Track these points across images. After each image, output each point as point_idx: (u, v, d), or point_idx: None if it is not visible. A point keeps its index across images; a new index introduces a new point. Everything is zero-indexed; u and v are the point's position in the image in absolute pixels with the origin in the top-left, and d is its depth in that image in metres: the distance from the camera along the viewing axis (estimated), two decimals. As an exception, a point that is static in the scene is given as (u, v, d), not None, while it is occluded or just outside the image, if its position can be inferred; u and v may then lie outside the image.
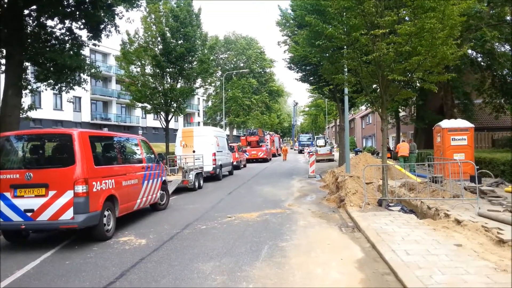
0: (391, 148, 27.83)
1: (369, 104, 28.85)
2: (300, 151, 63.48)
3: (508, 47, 23.82)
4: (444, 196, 11.03)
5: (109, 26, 16.30)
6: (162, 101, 29.43)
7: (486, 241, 7.16)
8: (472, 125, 15.28)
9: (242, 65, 63.33)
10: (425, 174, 16.19)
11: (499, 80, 24.53)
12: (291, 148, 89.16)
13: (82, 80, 16.88)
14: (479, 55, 23.80)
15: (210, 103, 67.96)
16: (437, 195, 11.26)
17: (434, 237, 7.55)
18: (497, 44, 23.32)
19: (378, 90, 11.89)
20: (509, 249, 6.63)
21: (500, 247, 6.79)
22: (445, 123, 15.70)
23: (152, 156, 12.19)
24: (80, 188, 8.14)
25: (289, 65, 25.57)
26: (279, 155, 54.47)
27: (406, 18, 10.64)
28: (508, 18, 20.35)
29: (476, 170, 10.73)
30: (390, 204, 10.84)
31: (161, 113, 30.06)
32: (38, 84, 16.64)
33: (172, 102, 29.93)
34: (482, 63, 24.73)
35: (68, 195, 8.10)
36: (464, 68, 24.07)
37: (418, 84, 18.59)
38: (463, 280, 5.41)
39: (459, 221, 8.38)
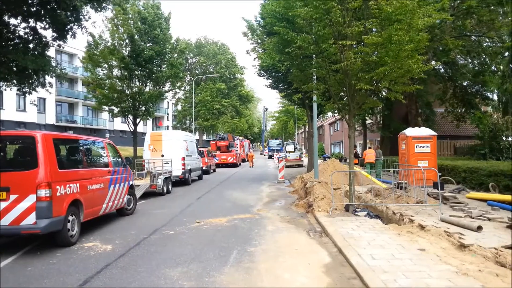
0: (358, 155, 28.34)
1: (337, 112, 29.39)
2: (270, 157, 63.73)
3: (469, 59, 24.83)
4: (408, 202, 11.32)
5: (75, 27, 15.93)
6: (130, 104, 28.99)
7: (448, 245, 7.40)
8: (435, 133, 15.78)
9: (212, 70, 63.19)
10: (391, 180, 16.58)
11: (460, 90, 25.49)
12: (261, 154, 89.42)
13: (47, 82, 16.40)
14: (442, 65, 24.68)
15: (179, 107, 67.35)
16: (401, 201, 11.54)
17: (398, 242, 7.74)
18: (459, 56, 24.26)
19: (346, 98, 12.11)
20: (469, 254, 6.88)
21: (461, 252, 7.03)
22: (410, 131, 16.15)
23: (119, 160, 11.99)
24: (43, 192, 7.90)
25: (258, 72, 25.68)
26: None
27: (374, 29, 10.92)
28: (468, 33, 21.22)
29: (439, 177, 11.08)
30: (357, 210, 11.03)
31: (129, 116, 29.59)
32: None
33: (141, 106, 29.53)
34: (445, 74, 25.64)
35: (30, 199, 7.85)
36: (428, 78, 24.92)
37: (384, 93, 19.11)
38: (426, 284, 5.57)
39: (423, 226, 8.62)
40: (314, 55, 12.00)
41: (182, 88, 55.69)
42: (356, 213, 10.83)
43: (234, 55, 65.49)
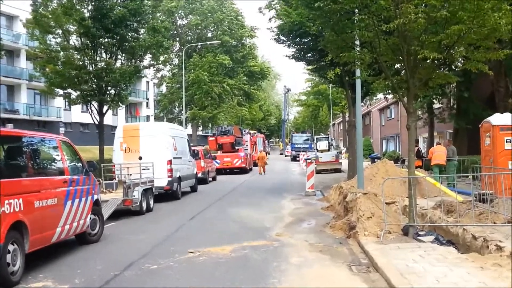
0: (422, 154, 28.11)
1: (390, 92, 29.07)
2: (294, 158, 63.66)
3: None
4: (495, 222, 11.19)
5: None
6: (94, 86, 29.15)
7: (553, 284, 7.30)
8: (534, 122, 15.57)
9: (210, 35, 63.33)
10: (469, 191, 16.40)
11: None
12: (281, 153, 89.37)
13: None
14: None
15: (164, 89, 67.66)
16: (486, 220, 11.41)
17: (481, 279, 7.66)
18: None
19: (403, 72, 12.00)
20: None
21: None
22: (497, 119, 15.95)
23: (79, 164, 12.06)
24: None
25: (276, 36, 25.56)
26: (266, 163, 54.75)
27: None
28: None
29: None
30: (420, 233, 10.94)
31: (93, 103, 29.77)
32: None
33: (109, 88, 29.67)
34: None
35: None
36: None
37: (460, 64, 18.89)
38: None
39: (516, 256, 8.52)
40: (356, 10, 11.90)
41: (168, 63, 56.05)
42: (419, 237, 10.75)
43: (240, 12, 65.37)
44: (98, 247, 12.06)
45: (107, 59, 29.41)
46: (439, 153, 22.13)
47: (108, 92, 29.66)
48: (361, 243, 10.88)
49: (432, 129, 37.60)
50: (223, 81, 59.61)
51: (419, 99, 33.67)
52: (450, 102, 34.55)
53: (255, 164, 45.31)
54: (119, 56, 30.52)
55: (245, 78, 65.06)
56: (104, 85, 29.11)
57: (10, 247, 8.76)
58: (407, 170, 13.03)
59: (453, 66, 22.24)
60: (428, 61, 11.19)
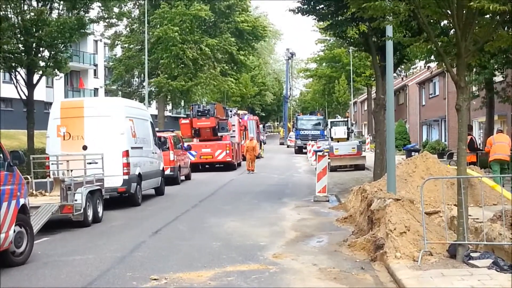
0: (478, 145, 28.16)
1: (434, 59, 29.12)
2: (299, 149, 63.73)
3: None
4: None
5: None
6: (21, 45, 28.98)
7: None
8: None
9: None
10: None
11: None
12: (282, 144, 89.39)
13: None
14: None
15: (119, 52, 67.23)
16: None
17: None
18: None
19: (452, 32, 11.98)
20: None
21: None
22: None
23: (0, 156, 11.98)
24: None
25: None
26: (257, 156, 54.64)
27: None
28: None
29: None
30: (473, 255, 10.93)
31: (18, 69, 29.62)
32: None
33: (41, 48, 29.49)
34: None
35: None
36: None
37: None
38: None
39: None
40: None
41: (125, 15, 55.42)
42: (472, 261, 10.74)
43: None
44: (24, 272, 11.96)
45: (39, 7, 29.22)
46: (501, 145, 22.11)
47: (40, 54, 29.48)
48: (391, 269, 10.85)
49: (492, 112, 37.58)
50: (200, 41, 59.16)
51: (474, 70, 33.71)
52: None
53: (245, 158, 45.21)
54: (55, 4, 30.31)
55: (231, 37, 64.54)
56: (34, 43, 28.96)
57: None
58: (455, 167, 13.02)
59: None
60: (487, 16, 11.16)
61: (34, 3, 29.62)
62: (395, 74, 26.98)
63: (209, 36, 61.28)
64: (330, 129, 46.66)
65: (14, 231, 12.27)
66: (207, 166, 43.44)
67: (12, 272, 11.97)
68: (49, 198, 17.16)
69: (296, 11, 25.83)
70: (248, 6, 72.17)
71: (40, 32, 28.41)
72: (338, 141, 42.83)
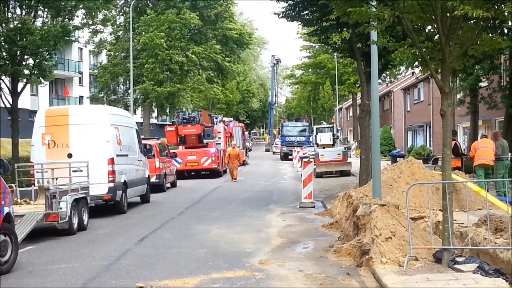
0: (462, 151, 28.24)
1: (418, 64, 29.13)
2: (285, 156, 63.76)
3: None
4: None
5: None
6: (5, 53, 28.88)
7: None
8: None
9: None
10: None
11: None
12: (267, 150, 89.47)
13: None
14: None
15: (104, 59, 67.10)
16: (548, 242, 11.49)
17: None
18: None
19: (437, 37, 12.02)
20: None
21: None
22: None
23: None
24: None
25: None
26: (243, 163, 54.52)
27: None
28: None
29: None
30: (458, 259, 10.96)
31: (3, 78, 29.51)
32: None
33: (26, 56, 29.40)
34: None
35: None
36: None
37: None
38: None
39: None
40: None
41: (110, 22, 55.27)
42: (457, 265, 10.77)
43: None
44: (9, 281, 11.89)
45: (24, 16, 29.14)
46: (485, 150, 22.17)
47: (24, 62, 29.38)
48: (377, 274, 10.87)
49: (476, 117, 37.70)
50: (187, 48, 59.12)
51: (459, 76, 33.83)
52: (501, 79, 34.53)
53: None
54: (40, 12, 30.23)
55: (217, 45, 64.45)
56: (18, 52, 28.83)
57: None
58: (440, 172, 13.06)
59: (505, 29, 22.38)
60: (470, 21, 11.20)
61: (18, 11, 29.49)
62: (380, 80, 27.08)
63: (195, 44, 61.22)
64: (315, 136, 46.74)
65: (-2, 240, 12.23)
66: (193, 173, 43.36)
67: (-4, 282, 11.93)
68: (34, 207, 17.07)
69: (281, 15, 25.87)
70: (233, 13, 72.26)
71: (24, 41, 28.29)
72: (323, 148, 42.93)
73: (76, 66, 72.98)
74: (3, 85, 29.46)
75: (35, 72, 29.70)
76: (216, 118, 51.82)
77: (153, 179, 29.75)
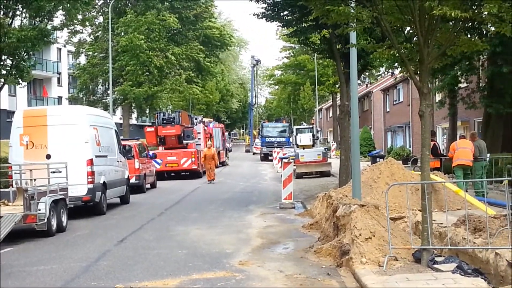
0: (441, 151, 28.36)
1: (397, 65, 29.28)
2: (265, 157, 63.78)
3: None
4: (539, 243, 11.33)
5: None
6: (-17, 54, 28.76)
7: None
8: None
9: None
10: (504, 201, 16.61)
11: None
12: (247, 151, 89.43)
13: None
14: None
15: (83, 60, 66.77)
16: (526, 242, 11.55)
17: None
18: None
19: (415, 38, 12.06)
20: None
21: None
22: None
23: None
24: None
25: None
26: (222, 163, 54.44)
27: None
28: None
29: None
30: (438, 259, 11.01)
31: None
32: None
33: (3, 57, 29.25)
34: None
35: None
36: None
37: (492, 28, 19.09)
38: None
39: None
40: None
41: (90, 22, 55.02)
42: (436, 265, 10.81)
43: None
44: (-12, 283, 11.88)
45: (1, 17, 28.97)
46: (463, 150, 22.25)
47: (2, 63, 29.22)
48: (356, 274, 10.90)
49: (455, 118, 37.86)
50: (166, 49, 58.97)
51: (438, 76, 33.95)
52: (480, 79, 34.68)
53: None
54: (17, 13, 30.08)
55: (197, 45, 64.29)
56: (-4, 53, 28.70)
57: None
58: (419, 173, 13.11)
59: (482, 30, 22.48)
60: (448, 22, 11.24)
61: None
62: (359, 81, 27.15)
63: (175, 44, 61.08)
64: (295, 136, 46.86)
65: (-23, 242, 12.17)
66: (172, 174, 43.26)
67: (-26, 283, 11.86)
68: (12, 208, 16.98)
69: (261, 16, 25.86)
70: (213, 14, 72.16)
71: (2, 42, 28.11)
72: (303, 148, 42.94)
73: (55, 67, 72.57)
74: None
75: (13, 72, 29.55)
76: (196, 119, 51.78)
77: (132, 180, 29.72)
